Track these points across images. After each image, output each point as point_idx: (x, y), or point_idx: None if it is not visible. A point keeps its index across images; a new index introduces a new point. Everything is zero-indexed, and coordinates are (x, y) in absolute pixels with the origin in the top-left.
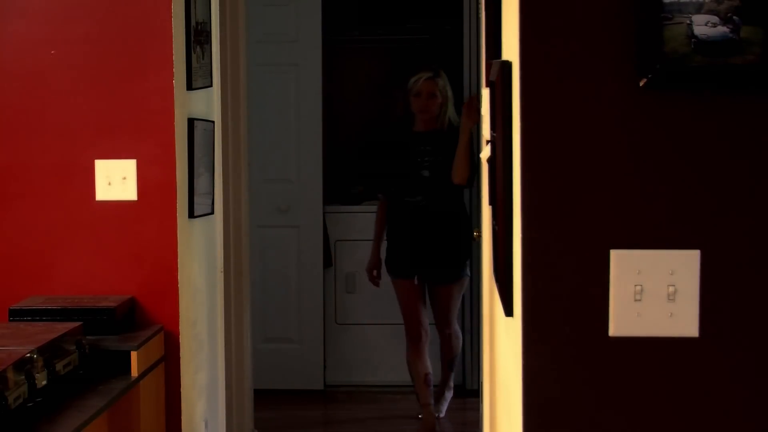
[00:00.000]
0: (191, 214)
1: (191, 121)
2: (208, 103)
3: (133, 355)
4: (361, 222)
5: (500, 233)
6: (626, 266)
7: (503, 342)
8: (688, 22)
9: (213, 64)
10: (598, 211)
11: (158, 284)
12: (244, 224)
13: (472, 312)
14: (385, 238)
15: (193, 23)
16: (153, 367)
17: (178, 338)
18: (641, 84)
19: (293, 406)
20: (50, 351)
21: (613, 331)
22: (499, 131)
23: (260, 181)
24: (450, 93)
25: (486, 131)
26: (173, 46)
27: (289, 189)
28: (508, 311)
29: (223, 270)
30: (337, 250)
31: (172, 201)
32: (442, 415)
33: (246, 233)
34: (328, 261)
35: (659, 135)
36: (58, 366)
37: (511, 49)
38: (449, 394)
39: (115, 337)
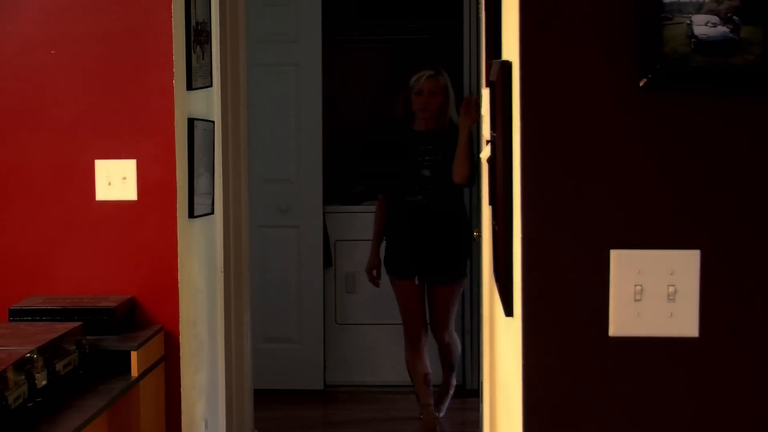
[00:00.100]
0: (191, 214)
1: (191, 121)
2: (208, 103)
3: (133, 355)
4: (361, 222)
5: (500, 233)
6: (626, 266)
7: (503, 342)
8: (688, 22)
9: (213, 64)
10: (598, 211)
11: (158, 284)
12: (244, 224)
13: (472, 312)
14: (383, 237)
15: (193, 23)
16: (153, 367)
17: (178, 338)
18: (641, 84)
19: (293, 406)
20: (50, 351)
21: (613, 331)
22: (499, 131)
23: (260, 181)
24: (451, 92)
25: (486, 131)
26: (173, 46)
27: (289, 189)
28: (508, 311)
29: (223, 270)
30: (337, 250)
31: (172, 201)
32: (441, 414)
33: (246, 233)
34: (328, 261)
35: (659, 135)
36: (58, 366)
37: (511, 49)
38: (451, 391)
39: (115, 337)
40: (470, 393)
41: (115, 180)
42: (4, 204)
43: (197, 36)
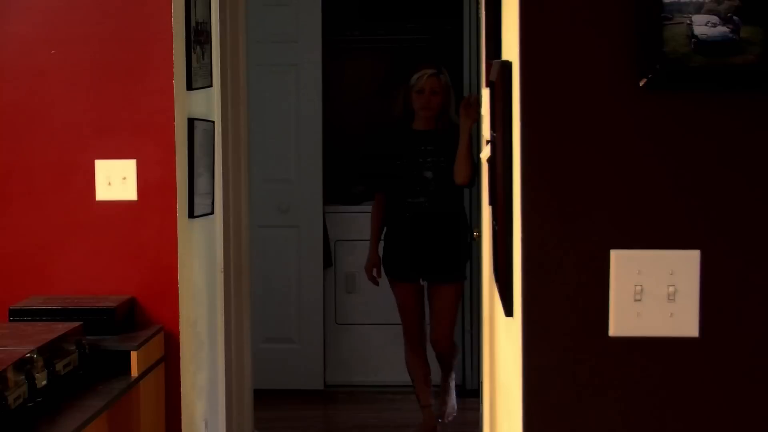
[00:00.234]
0: (191, 214)
1: (191, 121)
2: (208, 103)
3: (133, 355)
4: (361, 222)
5: (500, 233)
6: (626, 266)
7: (503, 342)
8: (688, 22)
9: (213, 64)
10: (598, 211)
11: (158, 284)
12: (244, 224)
13: (472, 312)
14: (381, 237)
15: (193, 23)
16: (153, 367)
17: (178, 338)
18: (641, 84)
19: (293, 406)
20: (50, 351)
21: (613, 331)
22: (499, 131)
23: (260, 181)
24: (452, 91)
25: (486, 131)
26: (173, 46)
27: (289, 189)
28: (508, 311)
29: (223, 270)
30: (337, 250)
31: (172, 201)
32: (449, 419)
33: (246, 233)
34: (328, 261)
35: (659, 135)
36: (58, 366)
37: (511, 49)
38: (453, 395)
39: (115, 337)
40: (470, 393)
41: (115, 180)
42: (4, 204)
43: (197, 36)
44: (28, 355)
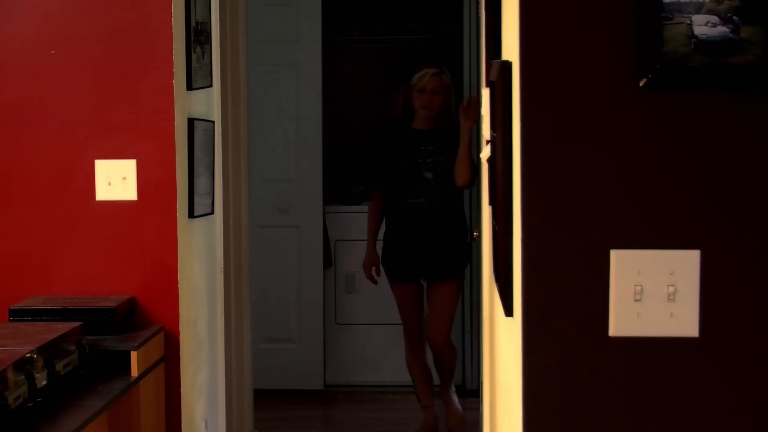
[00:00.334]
0: (191, 214)
1: (191, 121)
2: (208, 103)
3: (133, 355)
4: (361, 222)
5: (500, 233)
6: (626, 266)
7: (503, 342)
8: (688, 22)
9: (213, 64)
10: (598, 211)
11: (158, 284)
12: (244, 224)
13: (472, 312)
14: (380, 237)
15: (193, 23)
16: (153, 367)
17: (178, 338)
18: (641, 84)
19: (293, 406)
20: (50, 351)
21: (613, 331)
22: (499, 131)
23: (260, 181)
24: (453, 91)
25: (486, 131)
26: (173, 46)
27: (289, 189)
28: (508, 311)
29: (223, 270)
30: (337, 250)
31: (172, 201)
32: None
33: (246, 233)
34: (328, 261)
35: (659, 135)
36: (58, 366)
37: (511, 49)
38: (457, 404)
39: (115, 337)
40: (470, 393)
41: (115, 180)
42: (4, 204)
43: (197, 36)
44: (28, 355)
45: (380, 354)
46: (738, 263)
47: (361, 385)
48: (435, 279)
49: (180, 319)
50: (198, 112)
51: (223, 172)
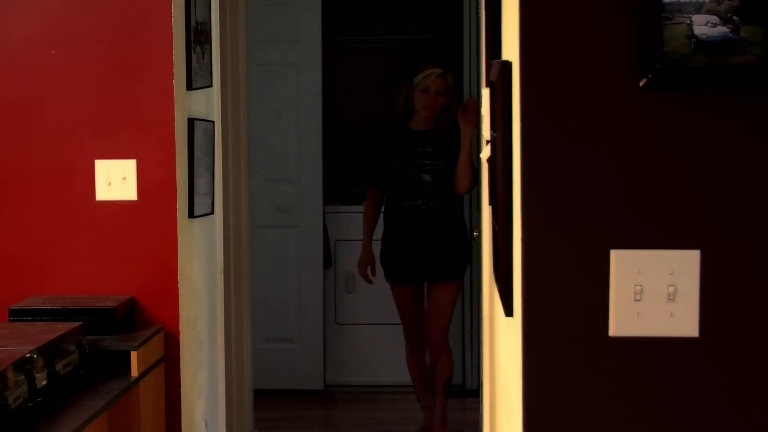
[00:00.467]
0: (191, 214)
1: (191, 121)
2: (208, 103)
3: (133, 355)
4: (361, 222)
5: (500, 233)
6: (626, 266)
7: (503, 342)
8: (688, 22)
9: (213, 64)
10: (598, 211)
11: (158, 284)
12: (244, 224)
13: (472, 312)
14: (378, 237)
15: (193, 23)
16: (153, 367)
17: (178, 338)
18: (641, 84)
19: (293, 406)
20: (50, 351)
21: (613, 331)
22: (499, 131)
23: (260, 181)
24: (455, 93)
25: (486, 131)
26: (173, 46)
27: (289, 189)
28: (508, 311)
29: (223, 270)
30: (337, 250)
31: (172, 201)
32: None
33: (246, 233)
34: (328, 261)
35: (659, 135)
36: (58, 366)
37: (511, 49)
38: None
39: (115, 337)
40: (470, 393)
41: (115, 180)
42: (4, 204)
43: (197, 36)
44: (28, 355)
45: (380, 354)
46: (738, 263)
47: (360, 385)
48: (433, 280)
49: (180, 319)
50: (198, 112)
51: (223, 172)
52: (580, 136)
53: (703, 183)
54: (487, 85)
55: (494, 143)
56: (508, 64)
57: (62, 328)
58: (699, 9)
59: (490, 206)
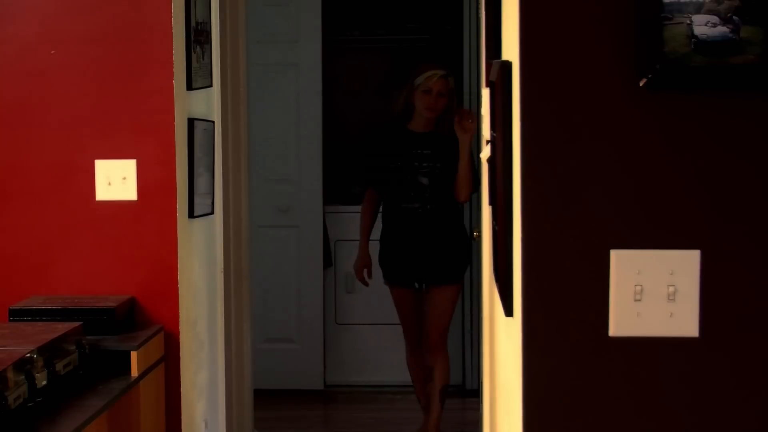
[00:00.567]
0: (191, 214)
1: (191, 121)
2: (208, 103)
3: (133, 355)
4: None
5: (500, 233)
6: (626, 266)
7: (503, 342)
8: (688, 22)
9: (213, 64)
10: (598, 211)
11: (158, 284)
12: (244, 224)
13: (472, 312)
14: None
15: (193, 23)
16: (153, 367)
17: (178, 338)
18: (641, 84)
19: (293, 406)
20: (50, 351)
21: (613, 331)
22: (499, 131)
23: (260, 181)
24: (455, 96)
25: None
26: (173, 46)
27: (289, 189)
28: (508, 311)
29: (223, 270)
30: (337, 250)
31: (172, 201)
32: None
33: (246, 233)
34: (328, 261)
35: (659, 135)
36: (58, 366)
37: (511, 49)
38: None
39: (115, 337)
40: (470, 393)
41: (115, 180)
42: (4, 204)
43: (197, 36)
44: (28, 355)
45: (380, 354)
46: (738, 263)
47: (360, 385)
48: (430, 283)
49: (180, 319)
50: (198, 112)
51: (223, 172)
52: (579, 137)
53: (704, 183)
54: (487, 85)
55: (494, 143)
56: (508, 64)
57: (62, 328)
58: (699, 9)
59: (490, 206)
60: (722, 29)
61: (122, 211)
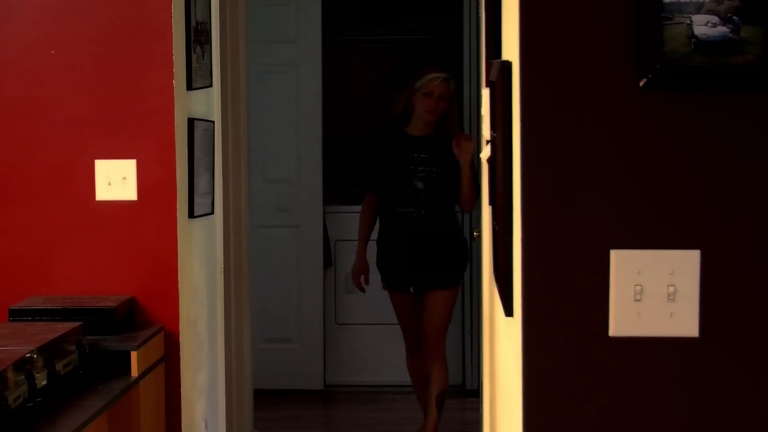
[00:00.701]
0: (191, 214)
1: (191, 121)
2: (208, 103)
3: (133, 355)
4: None
5: (500, 233)
6: (626, 266)
7: (503, 342)
8: (688, 22)
9: (213, 64)
10: (598, 211)
11: (158, 284)
12: (244, 224)
13: (472, 312)
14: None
15: (193, 23)
16: (153, 367)
17: (178, 338)
18: (641, 84)
19: (293, 406)
20: (50, 351)
21: (613, 331)
22: (499, 131)
23: (260, 181)
24: (456, 99)
25: (486, 131)
26: (173, 46)
27: (289, 189)
28: (508, 311)
29: (223, 270)
30: (337, 250)
31: (172, 201)
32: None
33: (246, 233)
34: (328, 261)
35: (659, 135)
36: (58, 366)
37: (511, 49)
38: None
39: (115, 337)
40: (470, 393)
41: (115, 180)
42: (4, 204)
43: (197, 36)
44: (28, 355)
45: (380, 354)
46: (738, 263)
47: (360, 385)
48: (425, 287)
49: (180, 319)
50: (198, 112)
51: (223, 172)
52: (580, 136)
53: (704, 183)
54: (487, 85)
55: (494, 143)
56: (508, 64)
57: (62, 328)
58: (699, 9)
59: (490, 206)
60: (722, 29)
61: (122, 211)
